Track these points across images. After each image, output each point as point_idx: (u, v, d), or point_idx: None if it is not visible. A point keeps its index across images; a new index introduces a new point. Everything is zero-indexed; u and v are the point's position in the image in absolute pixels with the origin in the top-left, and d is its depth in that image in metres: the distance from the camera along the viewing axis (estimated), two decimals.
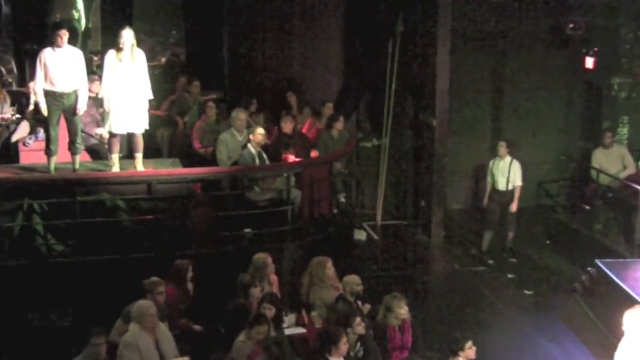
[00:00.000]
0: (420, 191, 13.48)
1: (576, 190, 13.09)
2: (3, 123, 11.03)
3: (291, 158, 10.85)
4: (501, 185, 11.93)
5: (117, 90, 9.47)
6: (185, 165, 10.65)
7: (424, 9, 12.90)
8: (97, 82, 10.54)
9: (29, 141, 10.61)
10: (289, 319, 8.36)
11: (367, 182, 13.93)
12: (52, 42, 9.47)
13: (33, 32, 13.28)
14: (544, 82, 13.99)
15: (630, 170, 12.12)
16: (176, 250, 9.09)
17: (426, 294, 11.09)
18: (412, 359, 7.84)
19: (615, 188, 11.98)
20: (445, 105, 12.71)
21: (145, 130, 9.84)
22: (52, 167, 9.75)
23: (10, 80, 13.75)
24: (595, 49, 13.05)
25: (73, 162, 9.81)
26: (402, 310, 7.71)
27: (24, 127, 10.80)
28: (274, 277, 8.68)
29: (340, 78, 13.85)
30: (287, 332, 8.03)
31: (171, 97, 12.56)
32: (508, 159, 11.94)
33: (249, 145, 10.23)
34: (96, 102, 10.58)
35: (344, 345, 7.02)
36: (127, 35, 9.45)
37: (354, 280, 8.32)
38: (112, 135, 9.72)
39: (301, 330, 8.24)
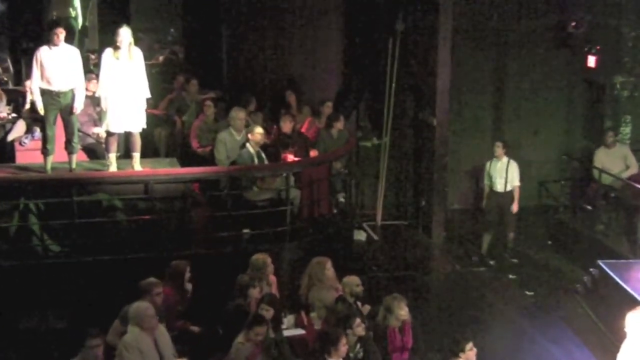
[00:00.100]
0: (421, 191, 13.47)
1: (578, 191, 13.07)
2: None
3: (290, 158, 10.81)
4: (499, 187, 11.86)
5: (114, 89, 9.42)
6: (183, 165, 10.61)
7: (424, 7, 12.88)
8: (94, 81, 10.53)
9: (25, 140, 10.59)
10: (288, 320, 8.33)
11: (367, 182, 13.93)
12: (48, 41, 9.43)
13: (29, 30, 13.25)
14: (546, 81, 13.97)
15: (633, 170, 12.10)
16: (174, 250, 9.03)
17: (426, 295, 11.06)
18: None
19: (617, 188, 11.96)
20: (446, 105, 12.68)
21: (143, 130, 9.80)
22: (49, 166, 9.71)
23: (6, 78, 13.76)
24: (598, 47, 12.99)
25: (70, 162, 9.78)
26: (403, 312, 7.68)
27: (20, 127, 10.78)
28: (272, 278, 8.63)
29: (339, 77, 13.85)
30: (286, 333, 7.98)
31: (169, 96, 12.57)
32: (505, 159, 11.87)
33: (247, 144, 10.19)
34: (93, 101, 10.55)
35: (343, 347, 6.97)
36: (125, 34, 9.40)
37: (353, 281, 8.29)
38: (109, 134, 9.68)
39: (300, 331, 8.19)
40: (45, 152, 9.64)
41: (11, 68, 14.00)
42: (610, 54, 13.00)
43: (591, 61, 13.14)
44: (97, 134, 10.76)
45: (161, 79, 13.48)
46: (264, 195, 10.04)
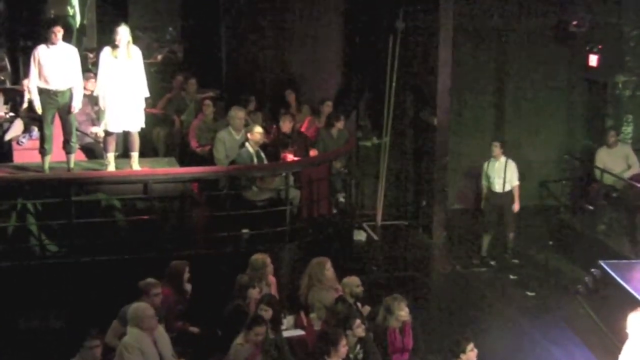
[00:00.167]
0: (421, 191, 13.46)
1: (579, 190, 13.05)
2: None
3: (290, 157, 10.78)
4: (498, 187, 11.80)
5: (112, 88, 9.38)
6: (182, 165, 10.60)
7: (424, 6, 12.87)
8: (93, 80, 10.48)
9: (23, 140, 10.55)
10: (288, 320, 8.31)
11: (367, 181, 13.93)
12: (46, 39, 9.36)
13: (27, 28, 13.22)
14: (547, 81, 13.97)
15: (635, 169, 12.07)
16: (173, 250, 8.99)
17: (427, 295, 11.03)
18: None
19: (619, 188, 11.92)
20: (447, 104, 12.66)
21: (142, 129, 9.76)
22: (47, 166, 9.65)
23: (3, 77, 13.71)
24: (599, 46, 12.95)
25: (68, 161, 9.73)
26: (403, 312, 7.66)
27: (17, 126, 10.74)
28: (272, 278, 8.61)
29: (339, 77, 13.83)
30: (286, 334, 7.95)
31: (168, 95, 12.55)
32: (503, 159, 11.81)
33: (247, 144, 10.15)
34: (91, 100, 10.51)
35: (343, 348, 6.95)
36: (123, 32, 9.36)
37: (353, 281, 8.27)
38: (107, 133, 9.63)
39: (300, 332, 8.17)
40: (43, 151, 9.58)
41: (9, 67, 13.97)
42: (611, 53, 12.97)
43: (592, 60, 13.10)
44: (96, 134, 10.71)
45: (160, 78, 13.46)
46: (263, 195, 10.00)
